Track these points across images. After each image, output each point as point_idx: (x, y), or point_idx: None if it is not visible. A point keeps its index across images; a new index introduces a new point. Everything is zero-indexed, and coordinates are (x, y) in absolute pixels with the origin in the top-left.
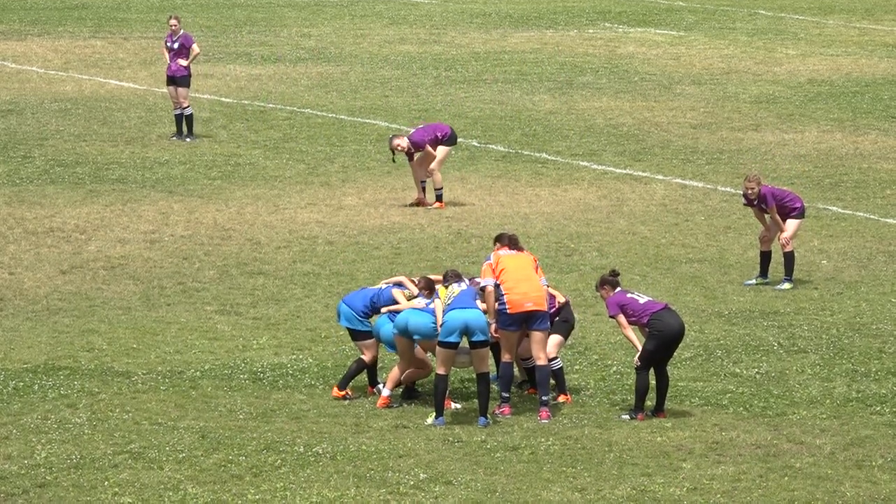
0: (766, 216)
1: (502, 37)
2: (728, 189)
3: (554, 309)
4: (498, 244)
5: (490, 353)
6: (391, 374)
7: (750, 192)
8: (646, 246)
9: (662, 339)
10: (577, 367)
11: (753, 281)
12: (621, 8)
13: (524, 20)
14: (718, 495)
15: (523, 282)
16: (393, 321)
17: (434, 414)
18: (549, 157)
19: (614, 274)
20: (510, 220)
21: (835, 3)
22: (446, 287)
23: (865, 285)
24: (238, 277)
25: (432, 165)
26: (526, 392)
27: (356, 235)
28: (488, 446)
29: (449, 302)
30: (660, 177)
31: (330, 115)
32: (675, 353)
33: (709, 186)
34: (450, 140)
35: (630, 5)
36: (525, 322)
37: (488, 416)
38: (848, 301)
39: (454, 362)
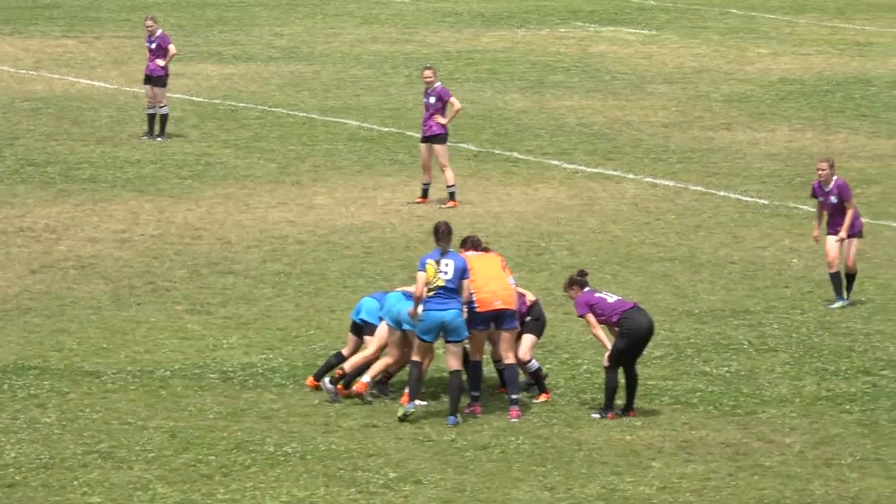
0: (826, 216)
1: (474, 36)
2: (699, 188)
3: (525, 308)
4: (463, 248)
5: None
6: (375, 364)
7: (821, 172)
8: (617, 245)
9: (633, 337)
10: (547, 365)
11: (837, 305)
12: (593, 7)
13: (496, 19)
14: (688, 494)
15: (492, 280)
16: (407, 297)
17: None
18: (521, 156)
19: (582, 274)
20: (481, 219)
21: (806, 2)
22: (437, 262)
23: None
24: (208, 277)
25: (443, 161)
26: (497, 391)
27: (327, 234)
28: (458, 445)
29: (431, 293)
30: (631, 175)
31: (301, 115)
32: (644, 352)
33: (680, 185)
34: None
35: (601, 4)
36: (494, 321)
37: (458, 415)
38: (818, 300)
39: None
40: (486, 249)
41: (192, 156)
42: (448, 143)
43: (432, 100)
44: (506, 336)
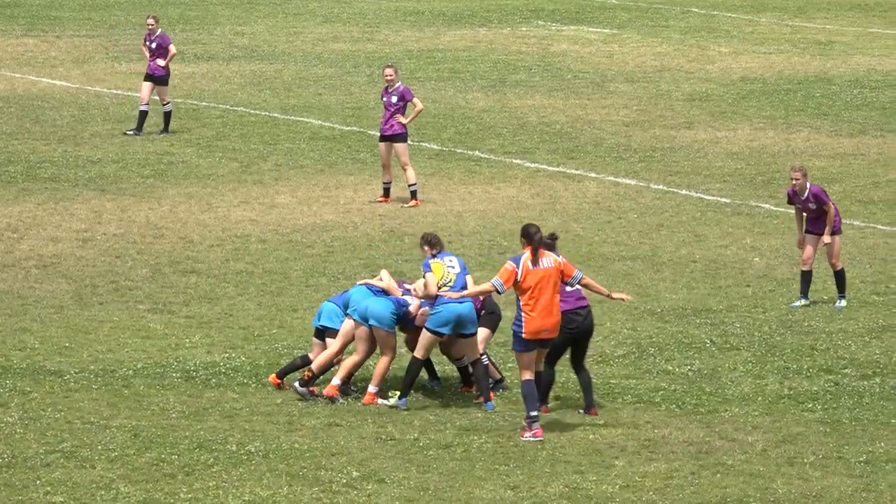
0: (804, 217)
1: (435, 35)
2: (661, 186)
3: (478, 303)
4: (524, 240)
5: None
6: (344, 364)
7: (795, 182)
8: (578, 244)
9: (569, 335)
10: (509, 364)
11: (798, 303)
12: (554, 6)
13: (457, 18)
14: (651, 493)
15: (547, 316)
16: (373, 291)
17: (399, 394)
18: (483, 155)
19: (553, 237)
20: (443, 217)
21: (767, 1)
22: (439, 258)
23: (797, 282)
24: (171, 276)
25: (404, 160)
26: (460, 390)
27: (289, 233)
28: (421, 444)
29: (446, 288)
30: (593, 174)
31: (263, 114)
32: (608, 350)
33: (641, 184)
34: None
35: (563, 3)
36: (539, 345)
37: (492, 400)
38: (780, 298)
39: None
40: (540, 255)
41: (155, 155)
42: (409, 142)
43: (394, 99)
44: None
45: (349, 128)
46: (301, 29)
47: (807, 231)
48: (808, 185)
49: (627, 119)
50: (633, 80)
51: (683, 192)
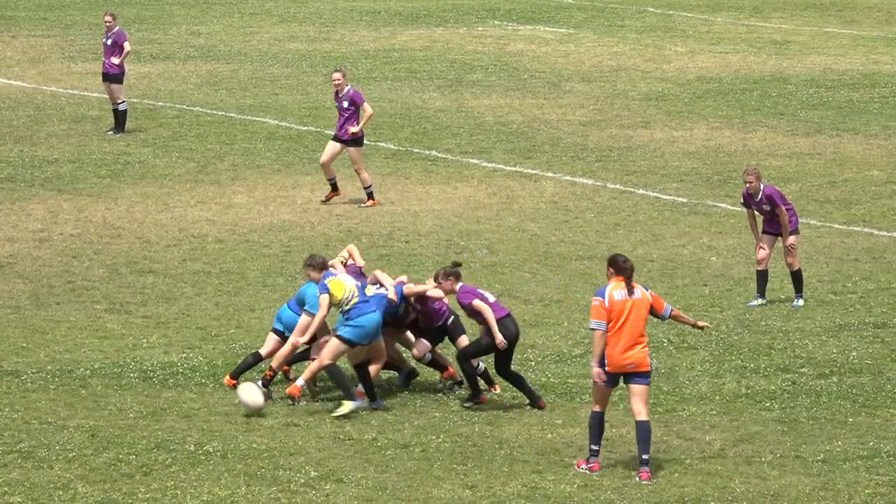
0: (760, 222)
1: (392, 34)
2: (617, 186)
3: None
4: (611, 269)
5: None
6: (311, 366)
7: (749, 185)
8: (535, 243)
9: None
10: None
11: (755, 303)
12: (510, 5)
13: (413, 18)
14: (609, 492)
15: (632, 347)
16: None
17: (367, 399)
18: (439, 155)
19: (456, 265)
20: (400, 217)
21: (723, 1)
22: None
23: (754, 282)
24: (128, 276)
25: (357, 165)
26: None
27: (246, 233)
28: (379, 444)
29: (356, 301)
30: (549, 174)
31: (219, 114)
32: (564, 349)
33: (598, 184)
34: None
35: (519, 3)
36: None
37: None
38: (737, 297)
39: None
40: (633, 284)
41: (111, 155)
42: (366, 143)
43: (345, 104)
44: (638, 390)
45: (306, 128)
46: (257, 29)
47: (763, 231)
48: (761, 188)
49: (584, 119)
50: (589, 80)
51: (640, 191)
